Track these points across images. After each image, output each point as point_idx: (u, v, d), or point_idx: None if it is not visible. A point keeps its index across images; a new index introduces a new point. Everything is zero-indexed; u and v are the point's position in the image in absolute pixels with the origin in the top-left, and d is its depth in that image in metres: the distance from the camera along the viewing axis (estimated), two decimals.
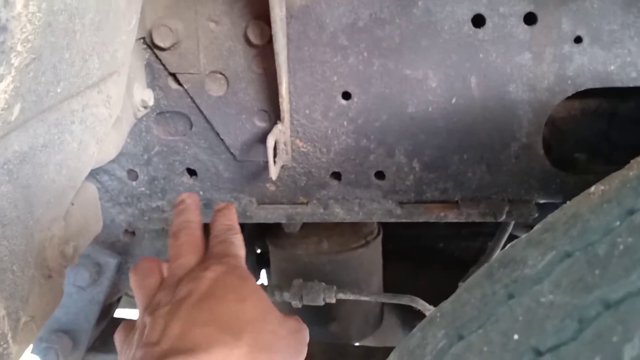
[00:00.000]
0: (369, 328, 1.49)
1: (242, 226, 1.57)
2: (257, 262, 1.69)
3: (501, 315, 0.35)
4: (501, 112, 0.95)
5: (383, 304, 1.55)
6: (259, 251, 1.71)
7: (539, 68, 0.91)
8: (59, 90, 0.57)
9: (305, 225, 1.38)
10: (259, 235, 1.61)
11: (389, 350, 1.37)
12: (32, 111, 0.53)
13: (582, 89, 0.91)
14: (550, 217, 0.44)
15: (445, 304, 0.43)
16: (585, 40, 0.88)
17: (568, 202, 0.46)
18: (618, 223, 0.35)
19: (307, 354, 0.77)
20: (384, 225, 1.51)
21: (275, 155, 0.92)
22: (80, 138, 0.69)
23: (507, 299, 0.36)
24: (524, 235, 0.44)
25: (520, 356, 0.32)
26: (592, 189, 0.43)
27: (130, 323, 0.77)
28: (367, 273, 1.42)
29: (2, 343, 0.53)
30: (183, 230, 0.81)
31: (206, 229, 0.84)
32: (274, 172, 0.91)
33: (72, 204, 0.75)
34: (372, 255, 1.43)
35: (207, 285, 0.72)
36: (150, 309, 0.72)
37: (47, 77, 0.53)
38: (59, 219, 0.68)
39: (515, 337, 0.33)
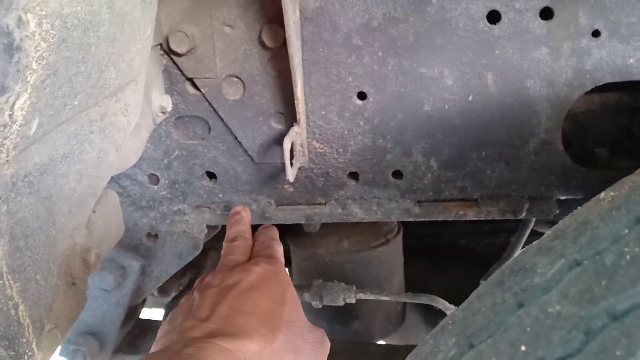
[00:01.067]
0: (391, 326, 1.49)
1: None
2: None
3: (510, 325, 0.35)
4: (519, 108, 0.94)
5: (405, 302, 1.54)
6: None
7: (556, 63, 0.90)
8: (76, 102, 0.58)
9: (325, 225, 1.38)
10: (280, 235, 1.62)
11: (410, 348, 1.37)
12: (50, 124, 0.55)
13: (601, 83, 0.90)
14: (561, 224, 0.44)
15: (457, 312, 0.43)
16: (604, 34, 0.87)
17: (579, 207, 0.45)
18: (626, 231, 0.35)
19: (329, 352, 0.85)
20: (404, 224, 1.51)
21: (292, 157, 0.93)
22: (100, 147, 0.70)
23: (516, 308, 0.36)
24: (535, 242, 0.43)
25: None
26: (602, 195, 0.42)
27: (185, 297, 0.85)
28: (388, 271, 1.42)
29: (27, 351, 0.55)
30: (238, 237, 0.91)
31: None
32: (291, 173, 0.91)
33: (94, 212, 0.76)
34: (393, 253, 1.43)
35: (254, 278, 0.80)
36: (199, 287, 0.81)
37: (64, 91, 0.54)
38: (81, 227, 0.70)
39: (523, 348, 0.33)
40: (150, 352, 0.72)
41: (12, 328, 0.54)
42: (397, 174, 1.02)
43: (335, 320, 1.45)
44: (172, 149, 1.05)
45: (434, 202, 1.05)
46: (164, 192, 1.09)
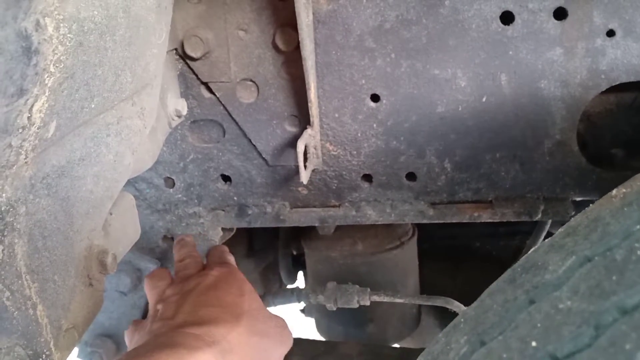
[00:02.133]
0: (406, 329, 1.49)
1: (277, 228, 1.59)
2: (293, 264, 1.71)
3: (521, 322, 0.35)
4: (533, 109, 0.93)
5: (420, 304, 1.54)
6: (294, 253, 1.73)
7: (571, 63, 0.89)
8: (93, 105, 0.60)
9: (339, 227, 1.39)
10: (295, 238, 1.62)
11: None
12: (67, 127, 0.56)
13: (617, 83, 0.89)
14: (572, 221, 0.44)
15: (469, 310, 0.43)
16: (618, 33, 0.86)
17: (591, 205, 0.45)
18: (637, 227, 0.35)
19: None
20: (419, 226, 1.51)
21: (305, 160, 0.93)
22: (116, 150, 0.71)
23: (527, 305, 0.36)
24: (547, 240, 0.43)
25: None
26: (614, 191, 0.42)
27: (138, 321, 0.95)
28: (403, 274, 1.42)
29: (45, 350, 0.56)
30: (186, 256, 1.00)
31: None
32: (304, 176, 0.92)
33: (111, 214, 0.78)
34: (408, 256, 1.43)
35: (212, 280, 0.89)
36: (161, 300, 0.89)
37: (81, 94, 0.55)
38: (98, 229, 0.71)
39: (534, 343, 0.33)
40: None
41: (30, 327, 0.55)
42: (411, 176, 1.02)
43: (349, 323, 1.45)
44: (188, 152, 1.06)
45: (448, 204, 1.04)
46: (179, 195, 1.10)
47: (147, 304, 1.16)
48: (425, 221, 1.05)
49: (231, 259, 1.02)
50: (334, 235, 1.38)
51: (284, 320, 0.90)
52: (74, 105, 0.55)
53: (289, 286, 1.79)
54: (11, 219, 0.51)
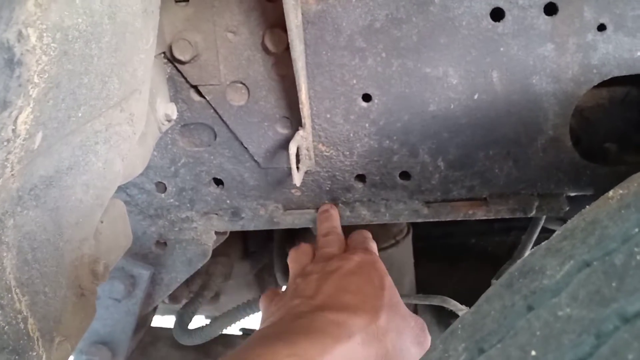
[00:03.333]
0: None
1: (272, 230, 1.59)
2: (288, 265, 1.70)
3: (520, 329, 0.35)
4: (526, 105, 0.93)
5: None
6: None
7: (562, 59, 0.89)
8: (80, 114, 0.59)
9: None
10: (290, 239, 1.61)
11: None
12: (54, 137, 0.55)
13: (609, 77, 0.89)
14: (569, 224, 0.43)
15: (467, 315, 0.43)
16: (609, 28, 0.86)
17: (587, 207, 0.45)
18: (636, 230, 0.34)
19: None
20: (414, 224, 1.50)
21: (298, 161, 0.92)
22: (105, 157, 0.70)
23: (526, 311, 0.36)
24: (544, 243, 0.43)
25: None
26: (611, 193, 0.42)
27: (275, 290, 0.97)
28: (399, 273, 1.41)
29: None
30: (330, 232, 0.98)
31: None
32: (297, 178, 0.91)
33: (101, 222, 0.77)
34: (403, 254, 1.42)
35: (354, 264, 0.86)
36: (302, 275, 0.88)
37: (67, 103, 0.54)
38: (88, 238, 0.70)
39: (533, 352, 0.33)
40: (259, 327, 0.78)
41: (21, 342, 0.54)
42: (405, 175, 1.02)
43: None
44: (179, 156, 1.05)
45: (442, 203, 1.04)
46: (171, 200, 1.09)
47: (141, 309, 1.15)
48: (419, 220, 1.05)
49: (374, 246, 0.98)
50: None
51: (422, 321, 0.88)
52: (61, 114, 0.54)
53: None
54: None
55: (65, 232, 0.64)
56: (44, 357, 0.56)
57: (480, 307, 0.41)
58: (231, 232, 1.19)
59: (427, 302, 1.09)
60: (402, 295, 1.09)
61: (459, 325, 0.42)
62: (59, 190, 0.60)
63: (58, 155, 0.58)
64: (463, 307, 1.06)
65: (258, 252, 1.65)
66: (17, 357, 0.53)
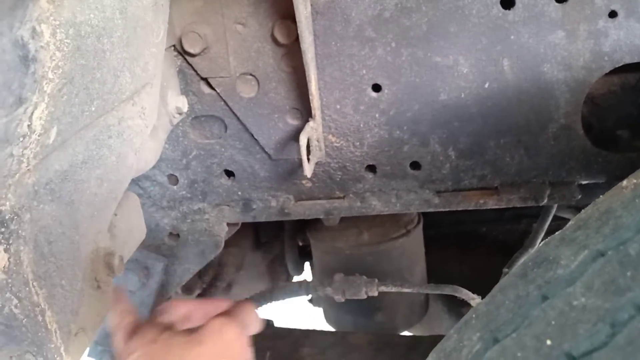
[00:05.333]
0: (415, 317, 1.49)
1: (283, 221, 1.59)
2: (300, 255, 1.71)
3: (534, 319, 0.35)
4: (537, 93, 0.92)
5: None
6: (301, 244, 1.73)
7: (573, 46, 0.88)
8: (93, 108, 0.59)
9: (344, 218, 1.38)
10: (301, 229, 1.62)
11: (435, 338, 1.37)
12: (69, 132, 0.55)
13: (620, 64, 0.88)
14: (583, 213, 0.43)
15: (481, 305, 0.43)
16: (621, 14, 0.85)
17: (601, 196, 0.45)
18: None
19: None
20: (424, 213, 1.50)
21: (308, 153, 0.93)
22: (119, 151, 0.71)
23: (540, 301, 0.36)
24: (557, 233, 0.43)
25: None
26: (625, 182, 0.42)
27: (136, 322, 0.84)
28: (410, 262, 1.42)
29: (55, 356, 0.56)
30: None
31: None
32: (308, 169, 0.91)
33: (116, 215, 0.77)
34: (414, 244, 1.42)
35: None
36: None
37: (81, 98, 0.55)
38: (103, 231, 0.71)
39: (548, 342, 0.33)
40: None
41: (40, 334, 0.55)
42: (415, 165, 1.02)
43: (358, 312, 1.45)
44: (190, 149, 1.05)
45: (453, 192, 1.04)
46: (183, 192, 1.10)
47: (155, 301, 1.16)
48: (430, 210, 1.05)
49: (250, 330, 0.92)
50: (339, 226, 1.38)
51: None
52: (74, 109, 0.54)
53: (296, 278, 1.79)
54: (16, 227, 0.51)
55: (81, 226, 0.65)
56: (62, 348, 0.57)
57: (495, 297, 0.42)
58: (243, 223, 1.20)
59: (438, 292, 1.10)
60: (413, 285, 1.10)
61: (473, 315, 0.42)
62: (73, 184, 0.61)
63: (72, 150, 0.59)
64: (475, 295, 1.06)
65: (269, 243, 1.66)
66: (35, 349, 0.54)
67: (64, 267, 0.60)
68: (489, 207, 1.03)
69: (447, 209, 1.05)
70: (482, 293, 0.63)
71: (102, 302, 0.69)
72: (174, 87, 0.97)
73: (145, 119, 0.78)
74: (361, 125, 0.99)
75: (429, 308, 1.55)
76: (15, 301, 0.51)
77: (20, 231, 0.52)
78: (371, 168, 1.04)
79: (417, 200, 1.04)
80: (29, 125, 0.46)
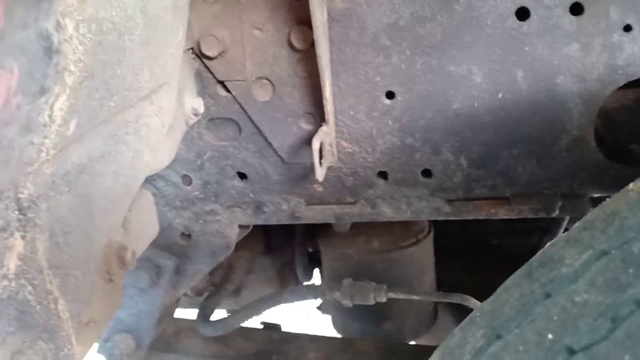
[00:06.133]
0: (423, 327, 1.49)
1: (294, 226, 1.60)
2: (310, 262, 1.72)
3: (537, 315, 0.35)
4: (550, 104, 0.93)
5: (437, 302, 1.53)
6: (310, 251, 1.73)
7: (587, 59, 0.89)
8: (112, 104, 0.61)
9: (355, 225, 1.39)
10: (311, 235, 1.63)
11: None
12: (88, 125, 0.57)
13: (634, 78, 0.88)
14: (589, 215, 0.43)
15: (485, 304, 0.43)
16: (635, 29, 0.85)
17: (608, 199, 0.45)
18: None
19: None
20: (435, 223, 1.51)
21: (321, 157, 0.94)
22: (135, 148, 0.72)
23: (544, 298, 0.36)
24: (563, 234, 0.43)
25: (554, 355, 0.32)
26: (631, 185, 0.42)
27: None
28: (419, 271, 1.42)
29: (66, 344, 0.57)
30: None
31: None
32: (320, 173, 0.92)
33: (130, 211, 0.79)
34: (424, 253, 1.42)
35: None
36: None
37: (101, 93, 0.56)
38: (117, 226, 0.72)
39: (550, 336, 0.33)
40: None
41: (52, 321, 0.56)
42: (427, 173, 1.02)
43: (366, 320, 1.45)
44: (205, 150, 1.07)
45: (464, 201, 1.04)
46: (196, 193, 1.11)
47: (165, 299, 1.17)
48: (441, 218, 1.05)
49: None
50: (349, 233, 1.39)
51: None
52: (94, 103, 0.56)
53: (305, 283, 1.80)
54: (33, 215, 0.52)
55: (96, 218, 0.66)
56: (72, 337, 0.58)
57: (499, 295, 0.42)
58: (254, 227, 1.21)
59: (447, 300, 1.10)
60: (421, 293, 1.09)
61: (478, 314, 0.42)
62: (90, 177, 0.62)
63: (90, 143, 0.60)
64: None
65: (280, 248, 1.67)
66: (47, 335, 0.55)
67: (78, 258, 0.61)
68: (499, 217, 1.04)
69: (458, 218, 1.05)
70: None
71: (113, 295, 0.70)
72: (191, 89, 0.98)
73: (162, 118, 0.80)
74: (374, 132, 0.99)
75: (437, 319, 1.55)
76: (29, 288, 0.52)
77: (37, 220, 0.53)
78: (382, 174, 1.04)
79: (427, 208, 1.05)
80: (49, 115, 0.47)
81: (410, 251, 1.37)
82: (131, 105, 0.68)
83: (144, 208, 0.83)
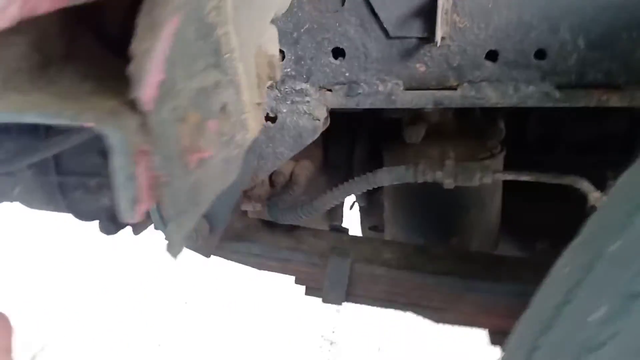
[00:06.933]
0: (487, 249, 1.45)
1: (354, 144, 1.54)
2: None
3: None
4: None
5: (499, 230, 1.49)
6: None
7: None
8: None
9: (426, 136, 1.35)
10: (375, 145, 1.55)
11: (519, 260, 1.33)
12: None
13: None
14: None
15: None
16: None
17: None
18: None
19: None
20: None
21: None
22: None
23: None
24: None
25: None
26: None
27: None
28: (492, 187, 1.37)
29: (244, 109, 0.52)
30: None
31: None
32: (439, 32, 0.87)
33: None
34: (497, 168, 1.38)
35: None
36: None
37: None
38: (262, 37, 0.67)
39: None
40: None
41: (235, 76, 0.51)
42: (540, 54, 0.97)
43: (433, 235, 1.41)
44: (303, 21, 1.01)
45: (575, 87, 1.00)
46: (288, 69, 1.06)
47: (243, 184, 1.12)
48: (549, 104, 1.01)
49: None
50: (421, 144, 1.34)
51: None
52: None
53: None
54: None
55: (250, 16, 0.61)
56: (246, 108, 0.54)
57: None
58: (313, 142, 1.14)
59: (558, 182, 1.05)
60: (530, 174, 1.04)
61: None
62: None
63: None
64: (595, 189, 1.01)
65: (337, 167, 1.61)
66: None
67: (247, 41, 0.56)
68: (611, 105, 0.99)
69: (567, 105, 1.00)
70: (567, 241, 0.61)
71: (257, 119, 0.65)
72: None
73: None
74: (490, 5, 0.95)
75: (497, 248, 1.51)
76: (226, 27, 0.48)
77: None
78: (492, 55, 0.99)
79: (536, 93, 1.00)
80: None
81: (486, 164, 1.32)
82: None
83: (272, 41, 0.77)
